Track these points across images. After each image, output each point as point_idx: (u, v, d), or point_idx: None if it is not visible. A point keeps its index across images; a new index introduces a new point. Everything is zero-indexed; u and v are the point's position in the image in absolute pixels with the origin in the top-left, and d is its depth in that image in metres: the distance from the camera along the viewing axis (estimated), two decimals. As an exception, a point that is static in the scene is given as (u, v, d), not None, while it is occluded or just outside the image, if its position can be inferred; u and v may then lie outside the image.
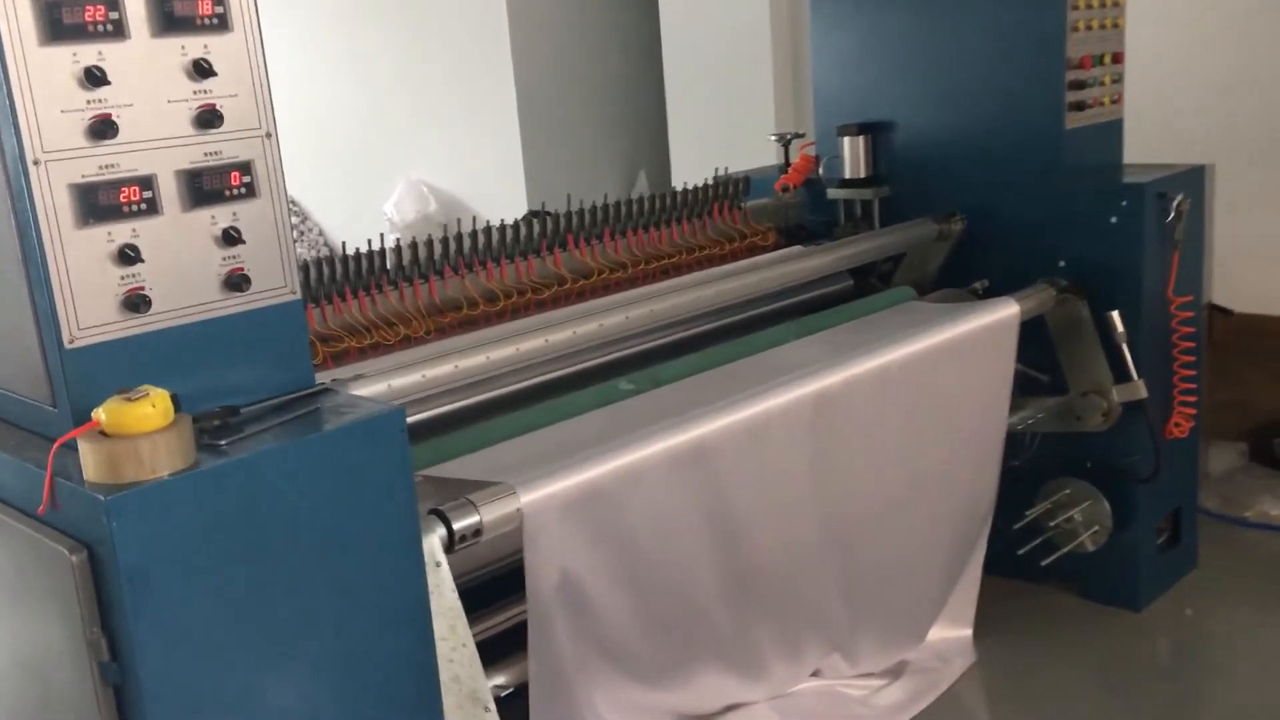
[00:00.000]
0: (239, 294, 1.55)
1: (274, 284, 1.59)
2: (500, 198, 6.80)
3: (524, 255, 2.69)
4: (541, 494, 1.82)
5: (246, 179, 1.54)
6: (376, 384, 1.94)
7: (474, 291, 2.56)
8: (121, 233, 1.46)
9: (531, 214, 3.06)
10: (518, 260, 2.67)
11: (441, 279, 2.54)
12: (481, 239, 2.60)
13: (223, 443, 1.48)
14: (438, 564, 1.68)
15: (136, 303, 1.47)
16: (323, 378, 1.94)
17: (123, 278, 1.46)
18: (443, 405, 2.24)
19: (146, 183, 1.47)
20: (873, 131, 3.19)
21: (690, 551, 2.10)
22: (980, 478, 2.71)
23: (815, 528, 2.33)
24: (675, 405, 2.21)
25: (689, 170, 5.68)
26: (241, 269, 1.55)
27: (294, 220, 8.25)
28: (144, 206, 1.47)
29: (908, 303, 2.87)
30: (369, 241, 2.46)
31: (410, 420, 1.88)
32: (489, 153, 6.76)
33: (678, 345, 2.66)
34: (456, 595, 1.71)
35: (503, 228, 2.65)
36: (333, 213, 8.08)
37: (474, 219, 2.61)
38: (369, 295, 2.42)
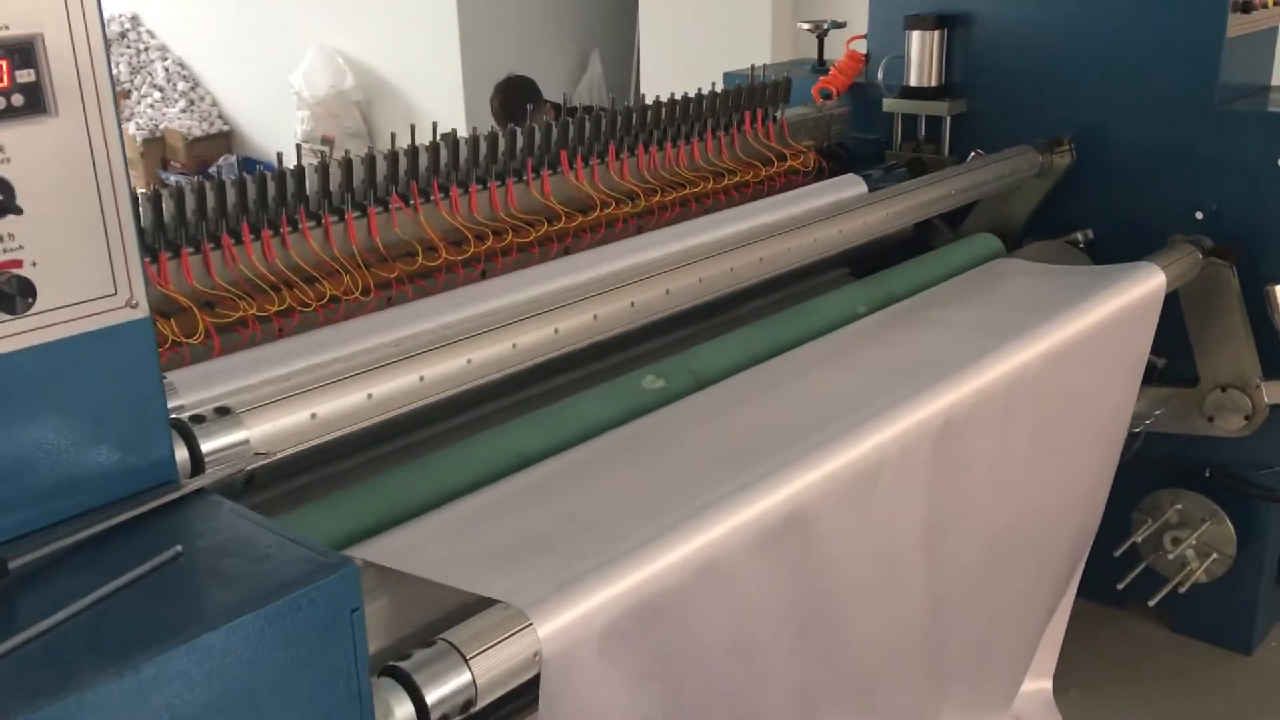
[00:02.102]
0: (11, 316, 0.78)
1: (89, 291, 0.82)
2: (430, 72, 5.86)
3: (499, 178, 1.91)
4: (572, 619, 1.10)
5: (26, 76, 0.76)
6: (273, 420, 1.18)
7: (431, 230, 1.79)
8: None
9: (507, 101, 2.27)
10: (493, 186, 1.89)
11: (386, 211, 1.76)
12: (444, 153, 1.82)
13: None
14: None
15: None
16: (182, 381, 1.19)
17: None
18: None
19: None
20: (948, 25, 2.44)
21: (762, 658, 1.41)
22: (1092, 500, 2.07)
23: (916, 597, 1.65)
24: (736, 425, 1.50)
25: (658, 56, 4.85)
26: (18, 265, 0.77)
27: (183, 87, 7.18)
28: None
29: (999, 260, 2.17)
30: (279, 156, 1.67)
31: (324, 439, 1.17)
32: (417, 18, 5.80)
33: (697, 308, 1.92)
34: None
35: (475, 138, 1.86)
36: (229, 82, 7.03)
37: (412, 130, 1.82)
38: (277, 234, 1.64)
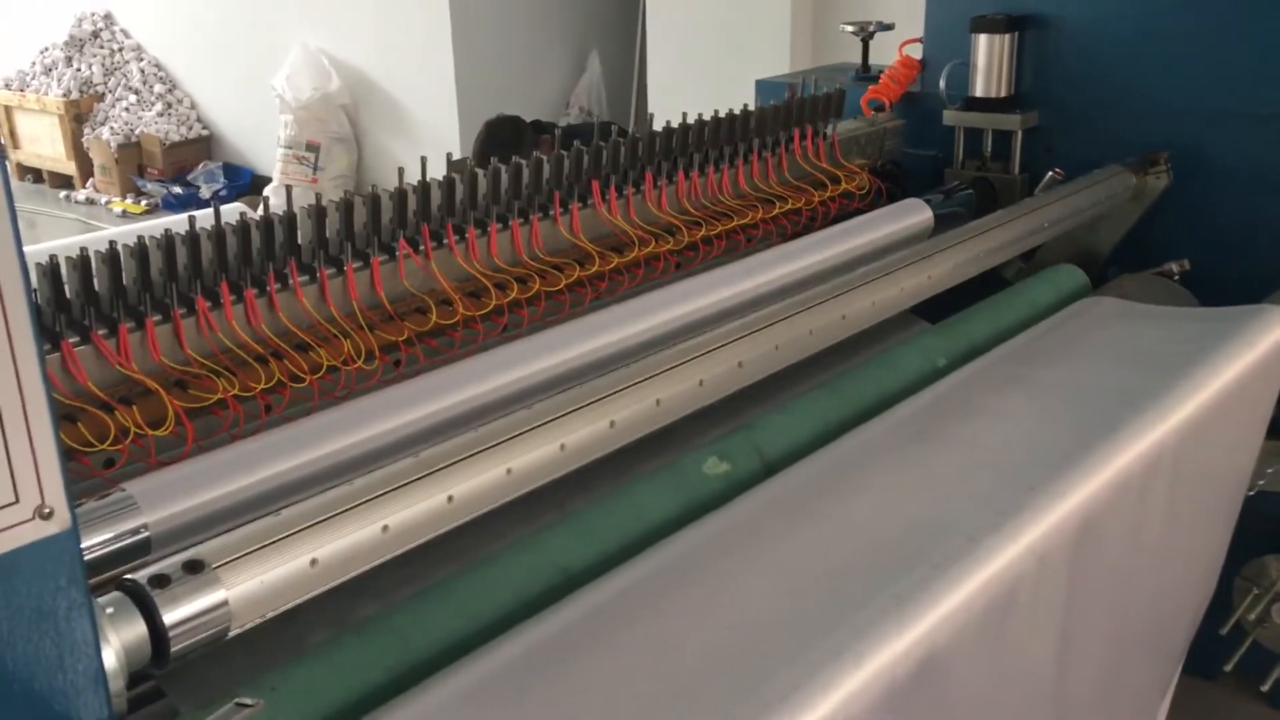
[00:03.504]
0: None
1: None
2: (420, 73, 5.56)
3: (523, 215, 1.62)
4: None
5: None
6: (259, 573, 0.89)
7: (443, 280, 1.50)
8: None
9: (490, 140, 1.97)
10: (515, 225, 1.60)
11: (392, 259, 1.47)
12: (460, 188, 1.53)
13: None
14: None
15: None
16: (144, 494, 0.91)
17: None
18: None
19: None
20: (1019, 28, 2.17)
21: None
22: (1211, 573, 1.80)
23: (1045, 712, 1.37)
24: (829, 531, 1.22)
25: (666, 58, 4.55)
26: None
27: (159, 89, 6.86)
28: None
29: (1091, 301, 1.89)
30: (265, 204, 1.38)
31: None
32: (407, 17, 5.50)
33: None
34: None
35: (496, 171, 1.57)
36: (209, 84, 6.71)
37: (423, 163, 1.54)
38: (262, 294, 1.35)
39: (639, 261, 1.73)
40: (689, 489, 1.33)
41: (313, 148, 5.82)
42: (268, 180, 6.06)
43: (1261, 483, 1.95)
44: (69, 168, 7.11)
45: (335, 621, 1.08)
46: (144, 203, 6.68)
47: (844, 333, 1.59)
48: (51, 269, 1.17)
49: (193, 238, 1.26)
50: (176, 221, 1.38)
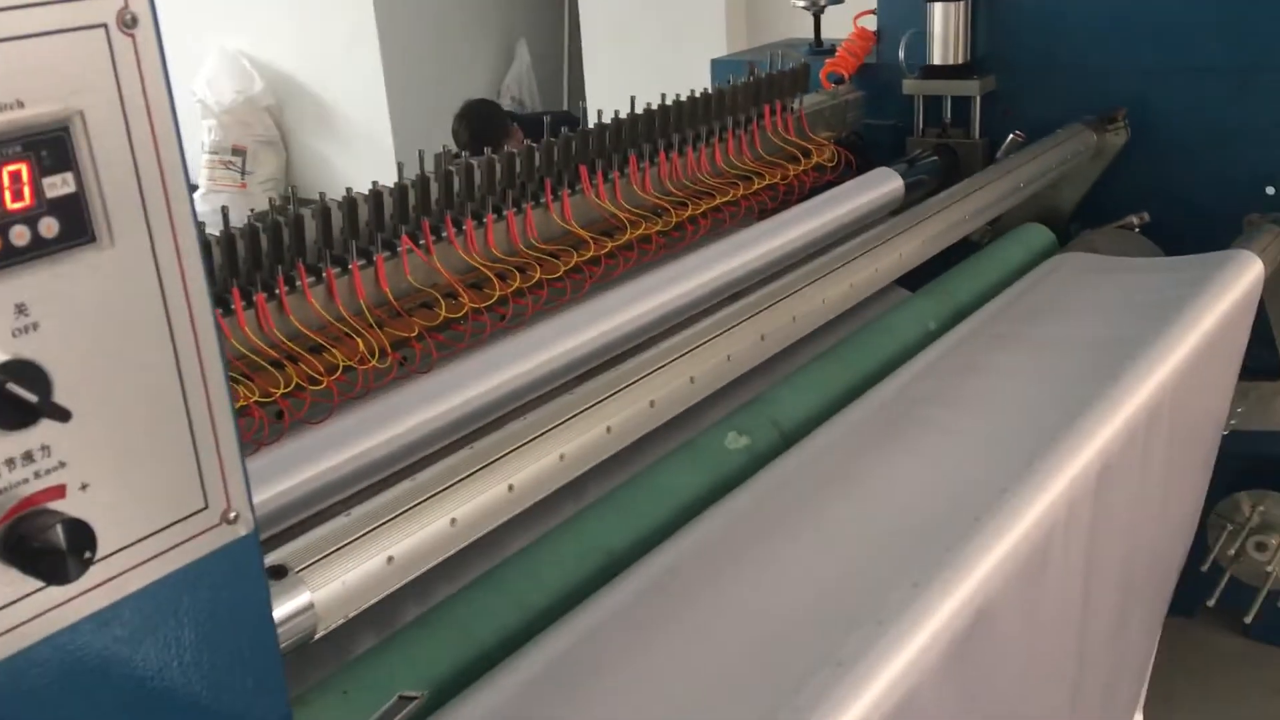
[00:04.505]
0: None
1: (168, 513, 0.52)
2: (346, 70, 5.48)
3: (517, 204, 1.62)
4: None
5: (60, 186, 0.45)
6: (341, 574, 0.89)
7: (446, 272, 1.49)
8: None
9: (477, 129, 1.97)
10: (510, 215, 1.60)
11: (395, 255, 1.46)
12: (458, 180, 1.52)
13: None
14: None
15: None
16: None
17: None
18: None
19: None
20: (972, -5, 2.21)
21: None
22: (1194, 514, 1.87)
23: (1069, 660, 1.42)
24: (864, 495, 1.24)
25: (601, 37, 4.54)
26: (58, 494, 0.48)
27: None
28: None
29: (1065, 256, 1.95)
30: (271, 205, 1.36)
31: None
32: (328, 13, 5.42)
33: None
34: None
35: (490, 161, 1.57)
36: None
37: (420, 156, 1.52)
38: (273, 298, 1.33)
39: (631, 244, 1.75)
40: (714, 464, 1.35)
41: (239, 152, 5.70)
42: (194, 187, 5.93)
43: (1233, 422, 2.02)
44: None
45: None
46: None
47: (829, 315, 1.62)
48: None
49: (204, 244, 1.23)
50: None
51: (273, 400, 1.28)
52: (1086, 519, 1.28)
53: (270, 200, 1.37)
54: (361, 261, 1.42)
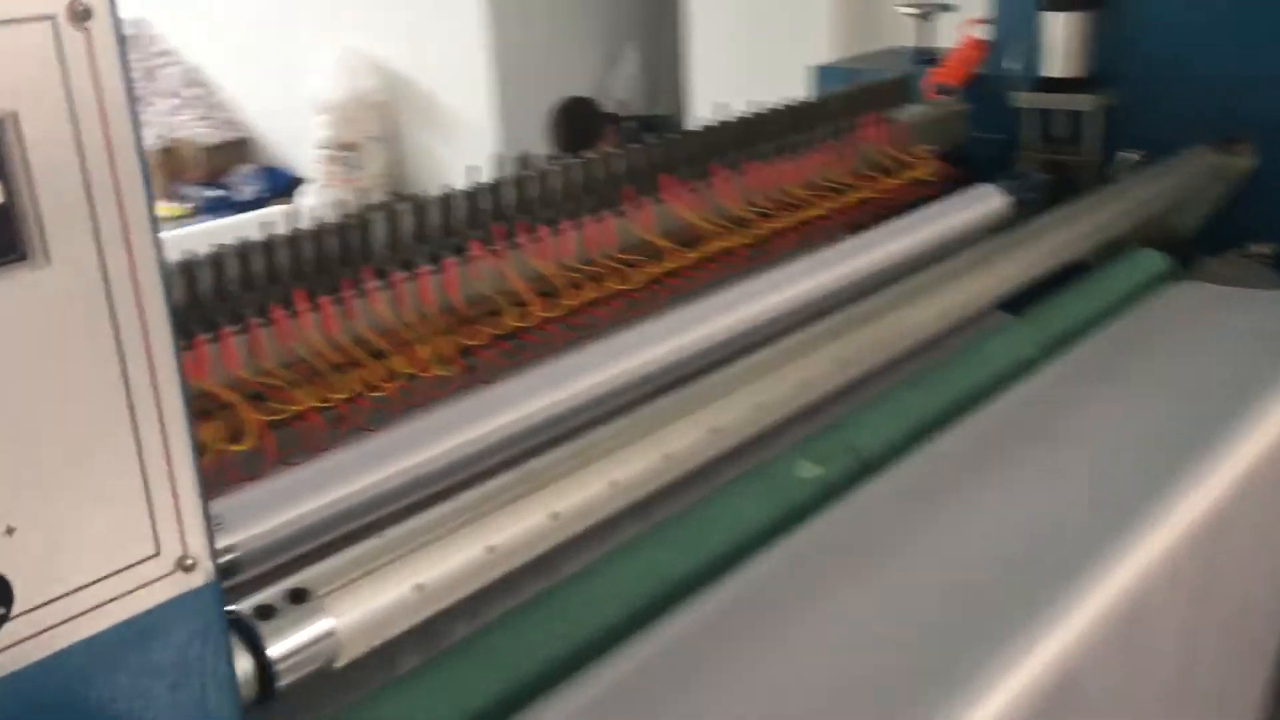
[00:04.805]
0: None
1: (113, 560, 0.48)
2: (457, 70, 5.53)
3: (593, 211, 1.57)
4: None
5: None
6: (365, 600, 0.84)
7: (516, 279, 1.45)
8: None
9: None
10: (587, 222, 1.55)
11: (464, 260, 1.42)
12: (533, 185, 1.48)
13: None
14: None
15: None
16: (231, 512, 0.86)
17: None
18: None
19: None
20: (1092, 6, 2.09)
21: None
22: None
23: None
24: (949, 537, 1.16)
25: (708, 42, 4.48)
26: None
27: (197, 92, 6.86)
28: None
29: (1183, 286, 1.82)
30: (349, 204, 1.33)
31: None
32: (441, 14, 5.46)
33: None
34: None
35: (566, 166, 1.52)
36: (244, 87, 6.71)
37: (491, 162, 1.48)
38: (338, 301, 1.30)
39: (711, 256, 1.68)
40: (781, 495, 1.28)
41: (351, 147, 5.78)
42: (308, 182, 6.04)
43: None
44: (106, 174, 7.12)
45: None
46: (184, 207, 6.67)
47: (919, 339, 1.54)
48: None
49: (266, 245, 1.21)
50: (221, 227, 1.34)
51: (332, 405, 1.25)
52: (1192, 578, 1.17)
53: (356, 199, 1.34)
54: (430, 266, 1.39)
